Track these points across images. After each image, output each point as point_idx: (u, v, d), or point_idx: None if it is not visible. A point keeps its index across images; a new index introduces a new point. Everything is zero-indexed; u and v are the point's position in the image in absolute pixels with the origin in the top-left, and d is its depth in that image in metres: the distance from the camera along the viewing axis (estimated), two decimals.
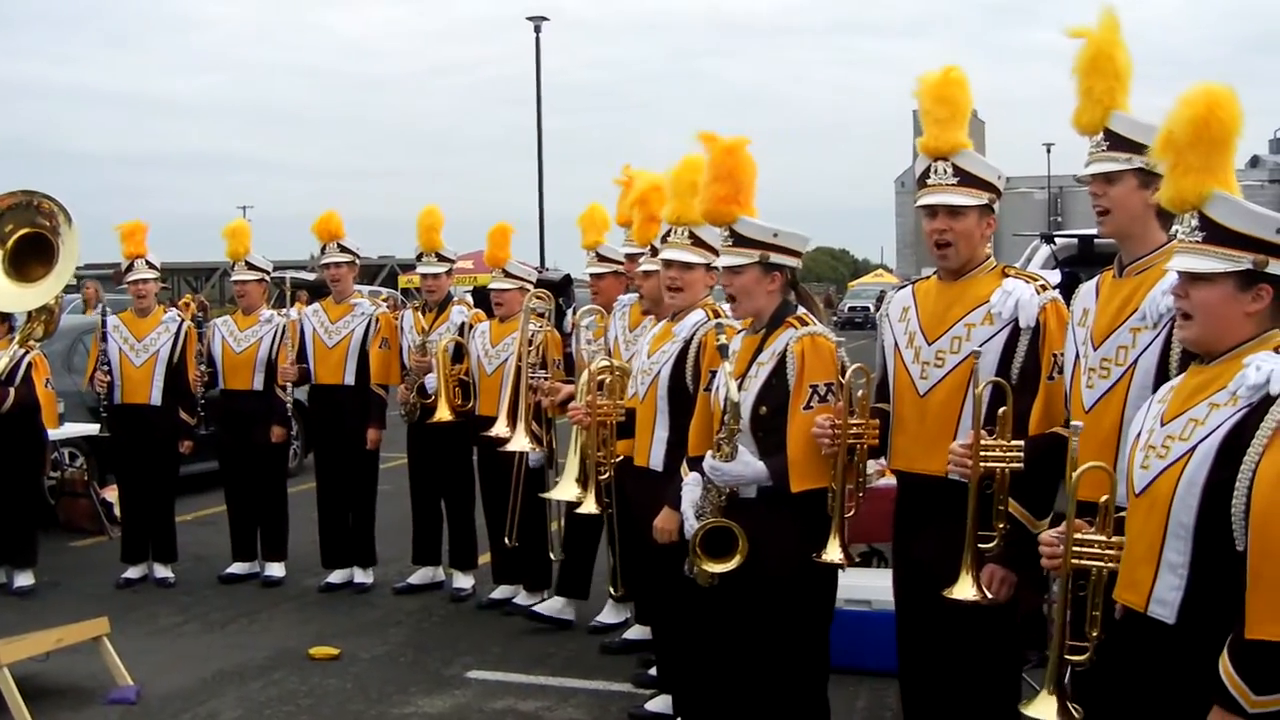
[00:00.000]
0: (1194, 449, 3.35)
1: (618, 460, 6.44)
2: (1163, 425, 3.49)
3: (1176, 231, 4.20)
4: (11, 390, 9.28)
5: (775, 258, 5.12)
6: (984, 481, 4.36)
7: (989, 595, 4.41)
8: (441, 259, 9.46)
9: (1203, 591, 3.31)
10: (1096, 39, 4.32)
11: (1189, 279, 3.48)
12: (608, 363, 6.60)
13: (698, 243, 5.89)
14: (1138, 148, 4.18)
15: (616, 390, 6.50)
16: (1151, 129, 4.12)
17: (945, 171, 4.70)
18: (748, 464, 4.98)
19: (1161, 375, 4.01)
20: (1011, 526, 4.43)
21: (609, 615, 8.52)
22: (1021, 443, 4.32)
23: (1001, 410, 4.35)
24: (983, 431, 4.33)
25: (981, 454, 4.31)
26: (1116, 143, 4.24)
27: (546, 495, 7.56)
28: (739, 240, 5.14)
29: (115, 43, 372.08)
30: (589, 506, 6.58)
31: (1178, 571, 3.36)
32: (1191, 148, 3.51)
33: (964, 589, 4.38)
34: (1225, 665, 3.19)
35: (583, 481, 6.68)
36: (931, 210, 4.74)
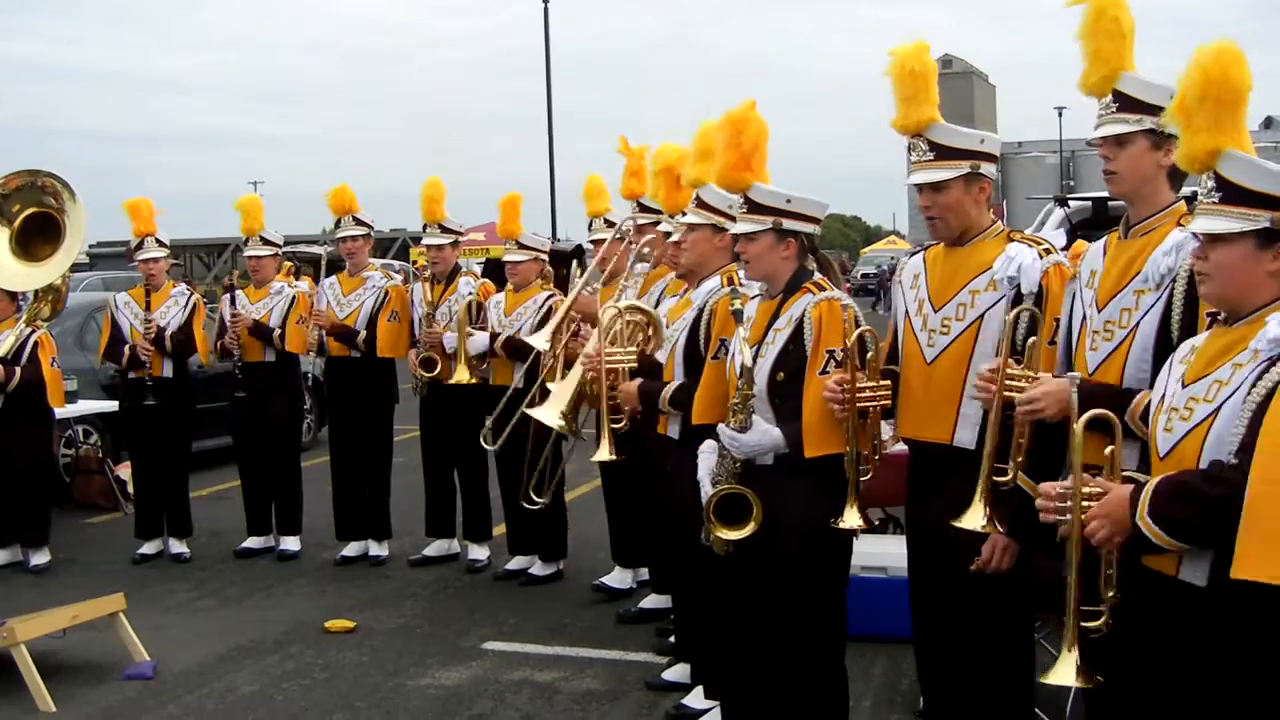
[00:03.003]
0: (1218, 410, 3.32)
1: (629, 410, 6.41)
2: (1184, 387, 3.46)
3: (1186, 193, 4.20)
4: (17, 369, 9.29)
5: (789, 224, 5.08)
6: (1006, 412, 4.29)
7: (999, 528, 4.35)
8: (445, 230, 9.43)
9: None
10: (1099, 1, 4.27)
11: (1208, 240, 3.45)
12: (615, 308, 6.53)
13: (702, 205, 5.94)
14: (1148, 108, 4.13)
15: (625, 337, 6.47)
16: (1161, 89, 4.09)
17: (922, 149, 4.69)
18: (765, 433, 4.96)
19: (1163, 338, 3.96)
20: (1019, 497, 4.41)
21: (614, 580, 8.56)
22: (1048, 375, 4.22)
23: (1031, 340, 4.30)
24: (1009, 360, 4.27)
25: (1006, 382, 4.22)
26: (1126, 104, 4.18)
27: (529, 411, 7.39)
28: (753, 207, 5.11)
29: (118, 20, 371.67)
30: (603, 454, 6.53)
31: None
32: (1200, 107, 3.50)
33: (973, 518, 4.31)
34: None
35: (570, 415, 6.74)
36: (919, 187, 4.73)
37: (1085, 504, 3.55)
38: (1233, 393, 3.31)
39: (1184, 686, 3.45)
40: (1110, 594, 3.62)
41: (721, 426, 5.07)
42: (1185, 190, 4.27)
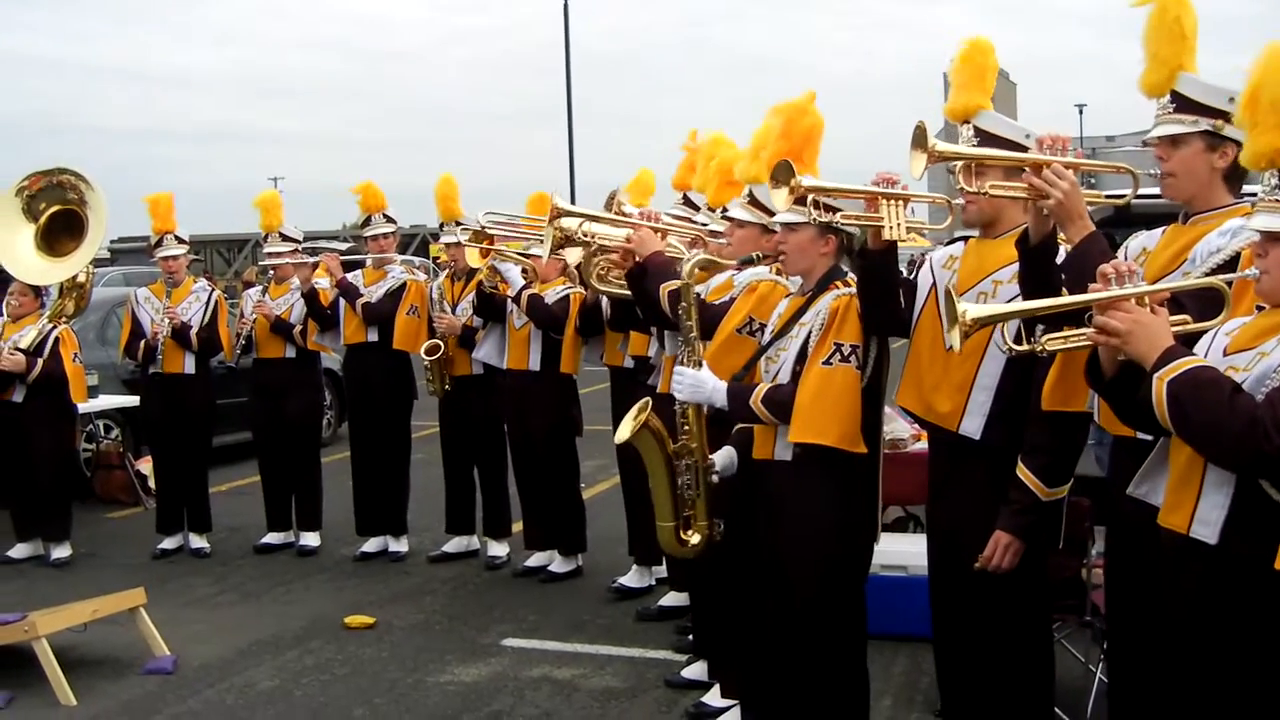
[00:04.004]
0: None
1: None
2: (1225, 356, 3.47)
3: (1247, 194, 4.18)
4: (39, 360, 9.34)
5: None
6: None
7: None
8: (462, 227, 9.44)
9: (1246, 511, 3.31)
10: (1163, 1, 4.25)
11: (1269, 238, 3.44)
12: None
13: (754, 203, 5.91)
14: (1205, 110, 4.10)
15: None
16: (1220, 91, 4.07)
17: (968, 135, 4.66)
18: (709, 378, 5.18)
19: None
20: (1023, 496, 4.40)
21: (632, 579, 8.56)
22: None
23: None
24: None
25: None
26: (1183, 105, 4.16)
27: None
28: (799, 199, 5.08)
29: (129, 16, 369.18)
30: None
31: (1223, 491, 3.35)
32: (1270, 105, 3.47)
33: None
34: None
35: None
36: (965, 169, 4.69)
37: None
38: (1275, 366, 3.31)
39: (1196, 652, 3.46)
40: None
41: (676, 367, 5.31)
42: (1250, 189, 4.26)
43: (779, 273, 5.74)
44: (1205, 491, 3.39)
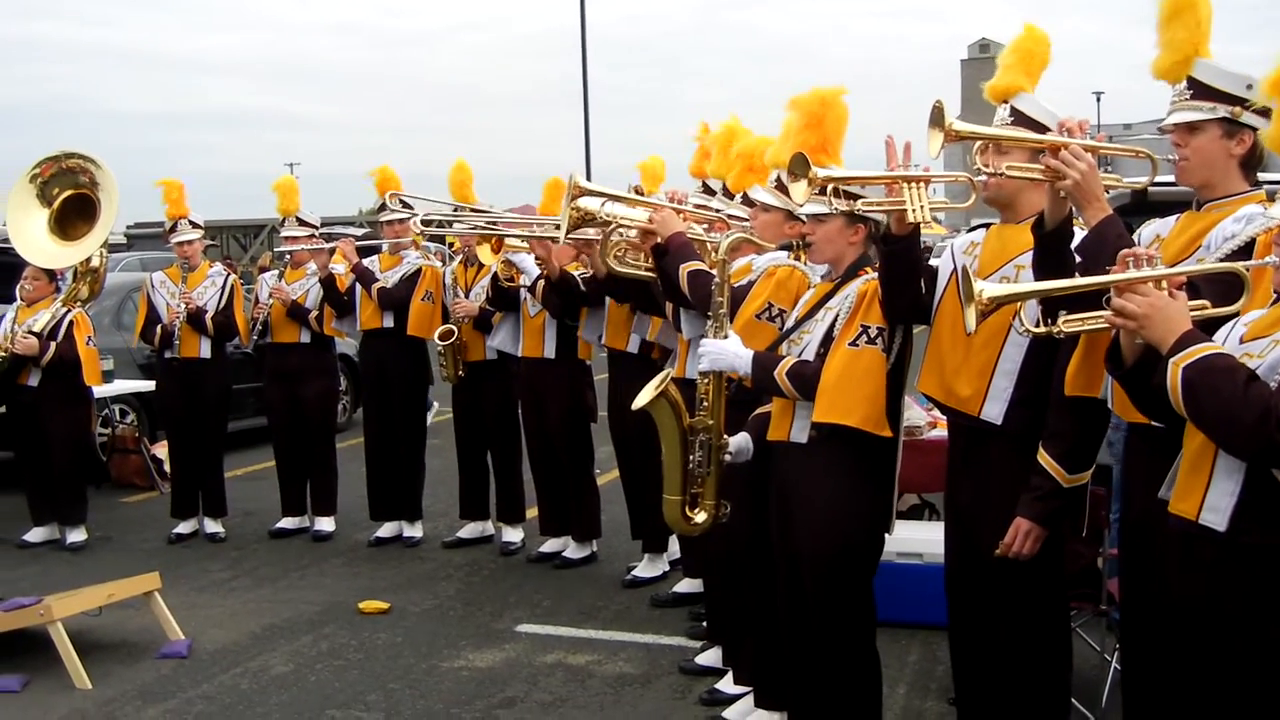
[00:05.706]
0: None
1: None
2: (1241, 344, 3.45)
3: (1264, 182, 4.15)
4: (53, 344, 9.36)
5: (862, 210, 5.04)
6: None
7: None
8: (476, 212, 9.41)
9: (1257, 499, 3.30)
10: None
11: None
12: None
13: (781, 188, 5.86)
14: (1223, 97, 4.08)
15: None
16: (1238, 78, 4.05)
17: (1003, 115, 4.64)
18: (735, 345, 5.13)
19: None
20: (1044, 482, 4.38)
21: (645, 569, 8.55)
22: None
23: None
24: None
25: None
26: (1200, 91, 4.12)
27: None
28: (820, 190, 5.05)
29: (147, 1, 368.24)
30: None
31: (1234, 478, 3.34)
32: None
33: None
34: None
35: None
36: (984, 148, 4.67)
37: None
38: None
39: (1206, 640, 3.45)
40: None
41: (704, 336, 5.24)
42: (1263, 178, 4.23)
43: (798, 258, 5.73)
44: (1216, 478, 3.38)
